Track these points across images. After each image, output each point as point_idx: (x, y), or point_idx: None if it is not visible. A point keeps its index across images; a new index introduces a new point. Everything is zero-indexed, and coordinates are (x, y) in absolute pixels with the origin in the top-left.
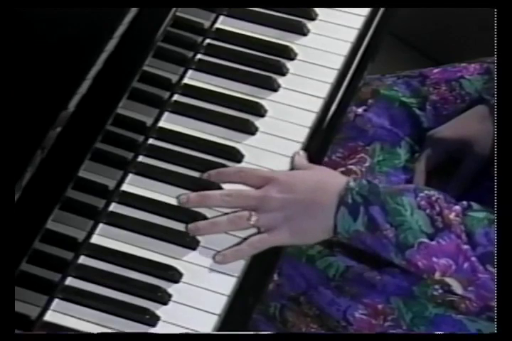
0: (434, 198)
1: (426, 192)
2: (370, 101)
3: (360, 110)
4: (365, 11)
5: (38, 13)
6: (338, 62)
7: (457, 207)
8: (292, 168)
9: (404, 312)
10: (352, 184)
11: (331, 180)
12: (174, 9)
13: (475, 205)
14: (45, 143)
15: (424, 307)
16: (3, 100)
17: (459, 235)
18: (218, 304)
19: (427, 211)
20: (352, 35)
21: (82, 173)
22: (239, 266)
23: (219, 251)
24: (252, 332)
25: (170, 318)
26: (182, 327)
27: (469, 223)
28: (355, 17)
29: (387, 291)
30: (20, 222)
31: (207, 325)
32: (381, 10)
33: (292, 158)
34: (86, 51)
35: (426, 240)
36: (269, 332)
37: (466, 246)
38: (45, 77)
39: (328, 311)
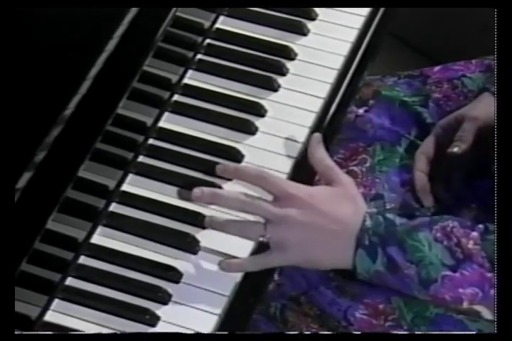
0: (449, 228)
1: (440, 224)
2: (371, 101)
3: (361, 111)
4: (365, 11)
5: (38, 13)
6: (338, 62)
7: (474, 234)
8: (307, 153)
9: (405, 312)
10: (368, 223)
11: (351, 216)
12: (174, 9)
13: (491, 226)
14: (45, 143)
15: (425, 307)
16: (3, 100)
17: (481, 264)
18: (218, 304)
19: (445, 243)
20: (352, 35)
21: (82, 173)
22: None
23: (226, 255)
24: (252, 332)
25: (170, 318)
26: (182, 327)
27: (489, 249)
28: (355, 17)
29: (387, 291)
30: (20, 222)
31: (207, 325)
32: (381, 10)
33: (308, 144)
34: (86, 51)
35: (449, 273)
36: (270, 332)
37: (490, 274)
38: (46, 77)
39: (329, 311)
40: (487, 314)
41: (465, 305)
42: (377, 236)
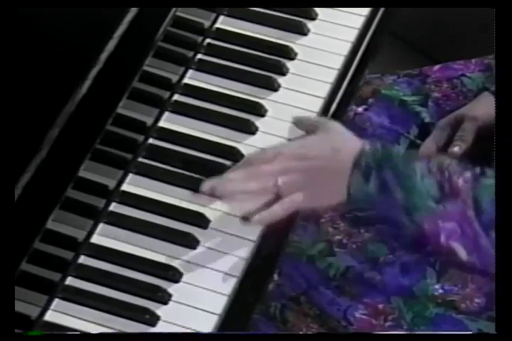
0: (445, 164)
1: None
2: (370, 100)
3: (360, 109)
4: (365, 11)
5: (38, 13)
6: (338, 62)
7: (468, 174)
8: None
9: (404, 312)
10: (367, 148)
11: (345, 146)
12: (174, 9)
13: (489, 172)
14: (45, 143)
15: (425, 306)
16: (3, 100)
17: (465, 201)
18: (218, 304)
19: (438, 177)
20: (352, 35)
21: (82, 173)
22: (239, 265)
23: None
24: (252, 332)
25: (170, 318)
26: (182, 327)
27: (478, 190)
28: (355, 17)
29: (387, 291)
30: (20, 222)
31: (207, 325)
32: (381, 10)
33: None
34: (86, 51)
35: (433, 204)
36: (269, 332)
37: (471, 212)
38: (46, 76)
39: (329, 311)
40: (462, 253)
41: (442, 239)
42: (374, 160)
